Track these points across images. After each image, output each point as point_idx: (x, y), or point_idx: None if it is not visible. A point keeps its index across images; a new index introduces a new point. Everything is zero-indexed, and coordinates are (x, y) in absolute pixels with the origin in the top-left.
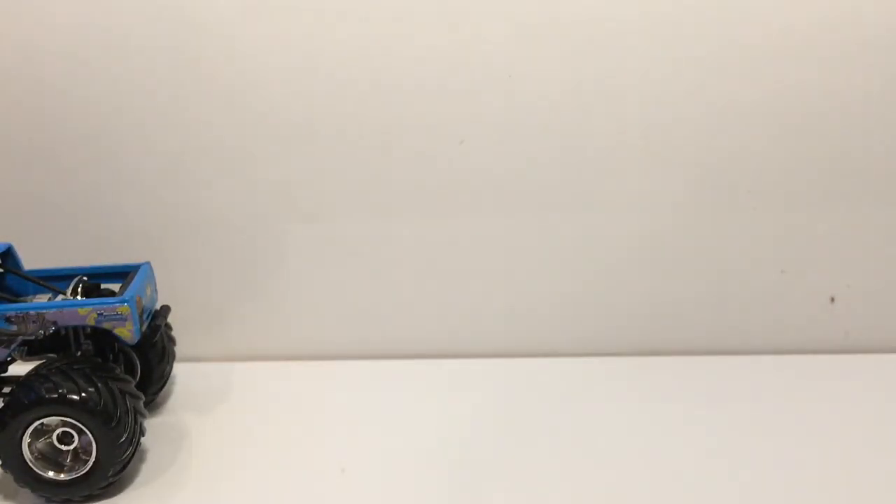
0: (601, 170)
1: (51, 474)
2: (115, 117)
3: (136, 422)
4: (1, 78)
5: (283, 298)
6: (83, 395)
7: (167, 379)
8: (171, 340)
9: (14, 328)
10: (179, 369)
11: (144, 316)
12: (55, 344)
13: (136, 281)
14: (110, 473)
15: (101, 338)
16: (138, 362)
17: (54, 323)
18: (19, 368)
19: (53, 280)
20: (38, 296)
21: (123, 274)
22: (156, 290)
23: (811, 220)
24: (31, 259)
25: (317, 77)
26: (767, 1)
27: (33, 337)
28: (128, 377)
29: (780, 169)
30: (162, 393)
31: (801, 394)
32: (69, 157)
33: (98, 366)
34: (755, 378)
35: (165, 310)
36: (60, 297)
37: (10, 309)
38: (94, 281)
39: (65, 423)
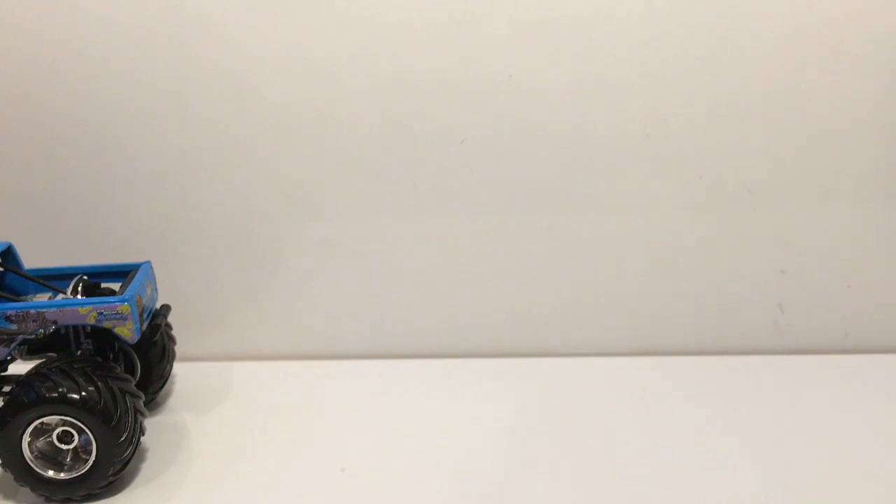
0: (601, 170)
1: (51, 473)
2: (116, 117)
3: (136, 421)
4: (1, 77)
5: (283, 298)
6: (83, 394)
7: (167, 378)
8: (172, 340)
9: (14, 327)
10: (179, 369)
11: (145, 315)
12: (55, 343)
13: (137, 280)
14: (110, 473)
15: (102, 337)
16: (138, 361)
17: (54, 322)
18: (19, 367)
19: (53, 279)
20: (38, 295)
21: (124, 273)
22: (156, 290)
23: (811, 220)
24: (32, 258)
25: (318, 77)
26: (769, 2)
27: (33, 336)
28: (128, 376)
29: (780, 169)
30: (162, 392)
31: (801, 394)
32: (69, 156)
33: (98, 365)
34: (755, 378)
35: (165, 309)
36: (61, 296)
37: (11, 308)
38: (95, 280)
39: (65, 423)
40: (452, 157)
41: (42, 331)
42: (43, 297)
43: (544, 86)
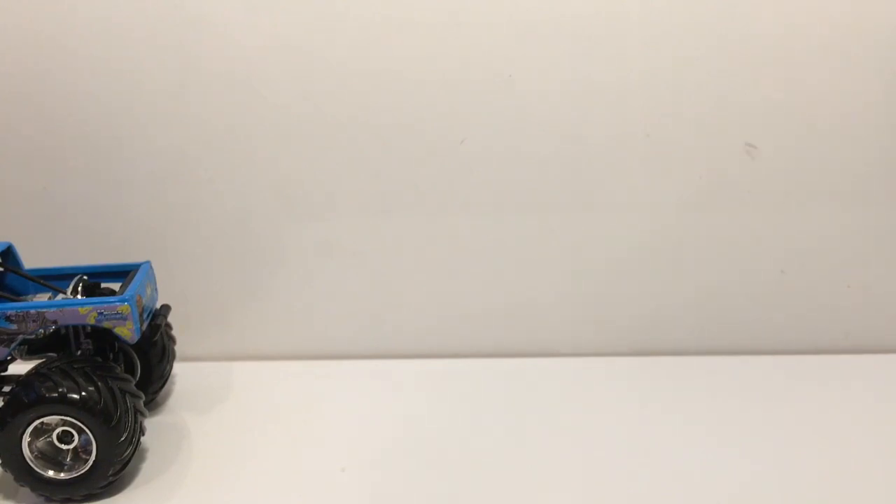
0: (601, 170)
1: (51, 473)
2: (116, 116)
3: (136, 421)
4: (1, 77)
5: (283, 298)
6: (83, 394)
7: (167, 378)
8: (172, 340)
9: (14, 327)
10: (179, 369)
11: (144, 315)
12: (55, 343)
13: (137, 280)
14: (110, 473)
15: (102, 337)
16: (138, 361)
17: (54, 322)
18: (19, 367)
19: (53, 279)
20: (38, 295)
21: (124, 273)
22: (156, 290)
23: (811, 220)
24: (32, 258)
25: (318, 77)
26: (769, 2)
27: (33, 336)
28: (128, 376)
29: (780, 169)
30: (162, 392)
31: (801, 394)
32: (69, 156)
33: (98, 365)
34: (755, 378)
35: (165, 309)
36: (61, 296)
37: (11, 308)
38: (95, 280)
39: (65, 423)
40: (452, 157)
41: (42, 331)
42: (43, 297)
43: (544, 86)
